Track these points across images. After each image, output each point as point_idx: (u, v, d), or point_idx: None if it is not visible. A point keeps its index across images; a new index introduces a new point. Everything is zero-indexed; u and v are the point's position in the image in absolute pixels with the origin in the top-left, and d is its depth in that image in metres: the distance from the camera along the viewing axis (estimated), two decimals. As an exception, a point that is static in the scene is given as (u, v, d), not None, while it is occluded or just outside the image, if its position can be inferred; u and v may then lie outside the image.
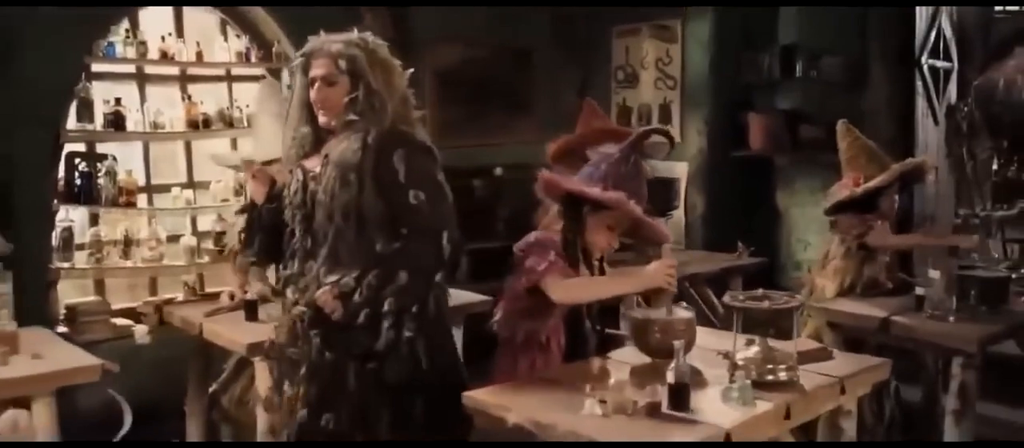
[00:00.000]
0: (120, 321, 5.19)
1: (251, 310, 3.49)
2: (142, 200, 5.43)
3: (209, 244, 5.55)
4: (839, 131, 4.49)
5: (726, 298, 2.77)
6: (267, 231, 3.15)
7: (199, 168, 5.72)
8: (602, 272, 3.10)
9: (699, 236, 6.59)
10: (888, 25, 6.10)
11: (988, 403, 4.25)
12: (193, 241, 5.51)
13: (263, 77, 5.33)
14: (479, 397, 2.61)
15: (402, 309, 2.69)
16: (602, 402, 2.38)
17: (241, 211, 3.18)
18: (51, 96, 4.96)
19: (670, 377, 2.41)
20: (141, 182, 5.44)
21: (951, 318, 3.60)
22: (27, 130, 4.81)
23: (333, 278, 2.72)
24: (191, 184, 5.69)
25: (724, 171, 6.62)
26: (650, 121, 6.78)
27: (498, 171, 6.67)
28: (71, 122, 5.14)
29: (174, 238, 5.51)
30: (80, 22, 4.96)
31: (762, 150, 6.46)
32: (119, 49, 5.25)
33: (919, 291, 3.79)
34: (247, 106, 5.71)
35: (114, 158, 5.25)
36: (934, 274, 3.69)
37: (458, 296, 4.11)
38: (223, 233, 5.42)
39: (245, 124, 5.68)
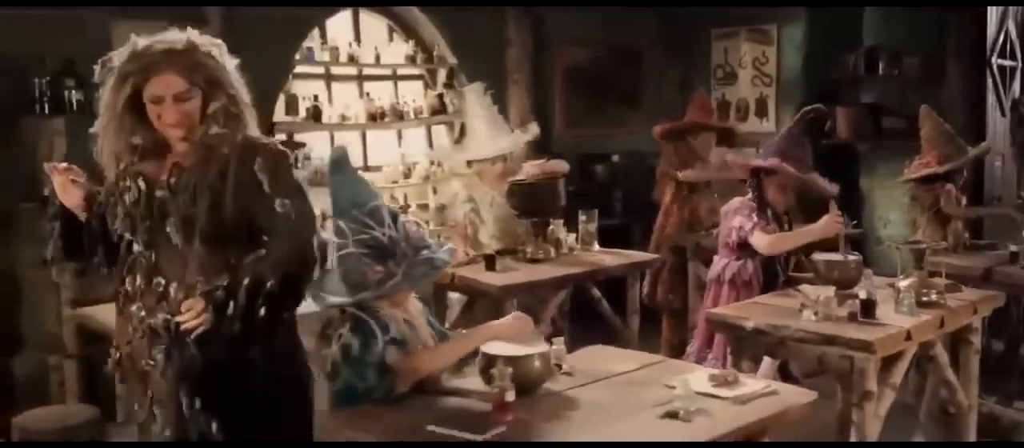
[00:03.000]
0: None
1: (490, 262, 4.47)
2: (328, 181, 6.42)
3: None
4: (922, 114, 5.34)
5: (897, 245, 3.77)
6: (106, 239, 2.70)
7: (372, 154, 6.72)
8: (789, 225, 4.10)
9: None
10: (962, 27, 7.00)
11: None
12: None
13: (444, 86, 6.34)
14: (722, 312, 3.61)
15: (275, 318, 2.50)
16: (815, 313, 3.36)
17: (53, 218, 2.72)
18: (267, 94, 5.95)
19: (862, 294, 3.39)
20: (328, 166, 6.44)
21: (1041, 267, 4.55)
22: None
23: (201, 289, 2.49)
24: (366, 168, 6.68)
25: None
26: (747, 114, 7.75)
27: (615, 157, 7.63)
28: (278, 115, 6.14)
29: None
30: (287, 33, 5.96)
31: (848, 139, 7.40)
32: (317, 53, 6.25)
33: (1013, 248, 4.73)
34: (413, 101, 6.72)
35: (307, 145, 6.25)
36: (1026, 234, 4.64)
37: (632, 255, 5.13)
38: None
39: (412, 116, 6.70)
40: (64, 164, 2.65)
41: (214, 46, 2.62)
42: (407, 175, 6.66)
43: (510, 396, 2.37)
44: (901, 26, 7.33)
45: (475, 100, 5.14)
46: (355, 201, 2.50)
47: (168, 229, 2.55)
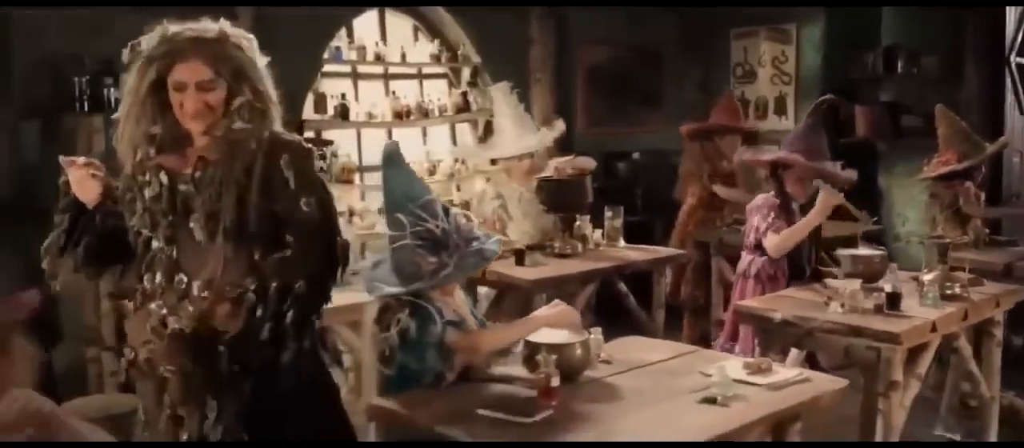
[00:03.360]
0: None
1: (520, 257, 4.57)
2: (355, 178, 6.54)
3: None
4: (937, 114, 5.41)
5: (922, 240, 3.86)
6: (98, 237, 2.62)
7: (398, 151, 6.82)
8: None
9: (810, 211, 7.63)
10: (980, 26, 7.09)
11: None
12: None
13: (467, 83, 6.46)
14: (751, 304, 3.71)
15: (303, 319, 2.50)
16: (842, 305, 3.46)
17: (64, 210, 2.62)
18: (296, 93, 6.07)
19: (888, 287, 3.48)
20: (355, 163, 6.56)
21: (1059, 261, 4.64)
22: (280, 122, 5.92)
23: (230, 290, 2.47)
24: (393, 165, 6.79)
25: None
26: (766, 112, 7.84)
27: (636, 155, 7.73)
28: (307, 113, 6.26)
29: (381, 210, 6.61)
30: (315, 32, 6.08)
31: (867, 137, 7.49)
32: (345, 52, 6.37)
33: (1032, 243, 4.83)
34: (437, 99, 6.83)
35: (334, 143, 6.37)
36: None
37: (657, 250, 5.24)
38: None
39: (436, 114, 6.81)
40: (83, 158, 2.58)
41: (245, 39, 2.56)
42: (432, 172, 6.77)
43: (555, 382, 2.48)
44: (919, 25, 7.42)
45: (502, 99, 5.25)
46: (409, 195, 2.62)
47: (191, 225, 2.49)
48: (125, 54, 2.58)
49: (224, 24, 2.54)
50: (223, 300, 2.46)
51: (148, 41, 2.52)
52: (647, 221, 7.40)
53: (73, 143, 4.93)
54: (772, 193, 4.29)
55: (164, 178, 2.51)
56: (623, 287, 4.96)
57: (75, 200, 2.59)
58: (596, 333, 2.92)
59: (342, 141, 6.46)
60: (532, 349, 2.63)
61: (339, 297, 3.93)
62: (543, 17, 7.10)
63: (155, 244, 2.54)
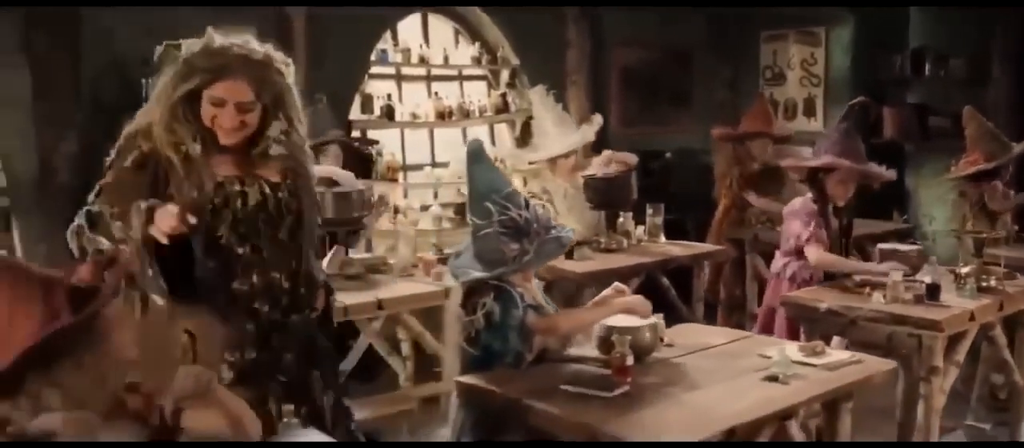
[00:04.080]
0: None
1: (569, 251, 4.77)
2: (399, 177, 6.77)
3: (450, 212, 6.86)
4: (966, 115, 5.58)
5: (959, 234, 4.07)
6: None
7: (440, 151, 7.06)
8: (850, 223, 4.35)
9: (840, 210, 7.81)
10: (1008, 28, 7.26)
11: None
12: (438, 210, 6.83)
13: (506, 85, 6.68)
14: (797, 295, 3.91)
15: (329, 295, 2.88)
16: (883, 296, 3.66)
17: (151, 255, 2.43)
18: (345, 93, 6.30)
19: (927, 279, 3.68)
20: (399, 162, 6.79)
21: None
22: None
23: (320, 277, 2.81)
24: (434, 164, 7.02)
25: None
26: (795, 113, 8.04)
27: (668, 154, 7.93)
28: (354, 113, 6.49)
29: (423, 208, 6.85)
30: (363, 33, 6.31)
31: (895, 138, 7.67)
32: (390, 55, 6.59)
33: (1061, 239, 5.02)
34: (478, 100, 7.05)
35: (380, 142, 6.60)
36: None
37: (698, 246, 5.45)
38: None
39: (477, 115, 7.02)
40: (175, 208, 2.36)
41: (285, 64, 2.64)
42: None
43: (629, 361, 2.69)
44: (947, 27, 7.61)
45: (540, 102, 5.50)
46: (493, 187, 2.85)
47: (281, 227, 2.63)
48: (158, 51, 2.75)
49: (268, 47, 2.63)
50: (319, 287, 2.77)
51: (189, 47, 2.59)
52: (679, 219, 7.58)
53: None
54: (810, 197, 4.45)
55: (266, 188, 2.63)
56: (665, 281, 5.17)
57: (150, 241, 2.39)
58: (658, 319, 3.13)
59: (386, 140, 6.68)
60: (607, 331, 2.85)
61: (406, 287, 4.22)
62: (578, 19, 7.31)
63: (241, 250, 2.59)
